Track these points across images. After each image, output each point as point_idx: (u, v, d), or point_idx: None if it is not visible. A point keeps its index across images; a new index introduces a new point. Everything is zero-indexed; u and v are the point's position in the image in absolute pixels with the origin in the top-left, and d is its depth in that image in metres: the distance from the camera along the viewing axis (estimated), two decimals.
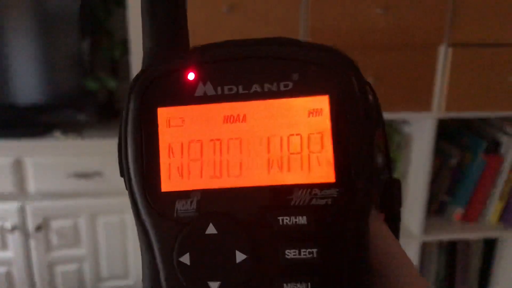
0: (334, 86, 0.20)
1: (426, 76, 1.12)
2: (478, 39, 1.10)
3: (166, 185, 0.20)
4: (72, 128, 1.38)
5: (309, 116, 0.20)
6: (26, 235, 1.36)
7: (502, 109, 1.17)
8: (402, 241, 0.22)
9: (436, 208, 1.33)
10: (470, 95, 1.13)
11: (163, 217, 0.20)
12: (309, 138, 0.20)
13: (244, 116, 0.21)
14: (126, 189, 0.21)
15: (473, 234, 1.33)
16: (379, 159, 0.25)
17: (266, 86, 0.20)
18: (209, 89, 0.21)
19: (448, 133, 1.32)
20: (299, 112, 0.20)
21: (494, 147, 1.27)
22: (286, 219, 0.20)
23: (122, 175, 0.21)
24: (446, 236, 1.32)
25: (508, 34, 1.11)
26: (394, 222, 0.26)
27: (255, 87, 0.20)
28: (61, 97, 1.40)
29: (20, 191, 1.34)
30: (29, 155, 1.32)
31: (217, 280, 0.20)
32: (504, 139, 1.25)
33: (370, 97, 0.20)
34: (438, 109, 1.14)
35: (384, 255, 0.21)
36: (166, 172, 0.21)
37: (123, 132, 0.21)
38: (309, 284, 0.19)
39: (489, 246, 1.43)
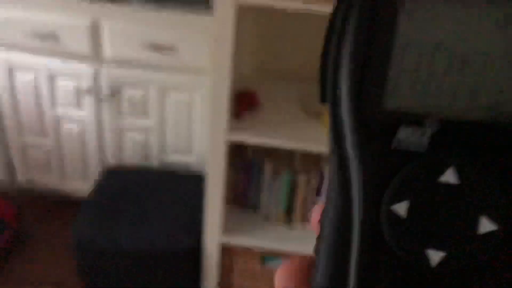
0: None
1: None
2: None
3: (392, 101, 0.15)
4: None
5: None
6: (99, 99, 1.40)
7: None
8: None
9: None
10: None
11: (379, 141, 0.15)
12: None
13: None
14: (324, 100, 0.15)
15: None
16: None
17: None
18: None
19: None
20: None
21: None
22: None
23: (322, 76, 0.15)
24: None
25: None
26: None
27: None
28: None
29: (96, 55, 1.34)
30: (106, 19, 1.30)
31: (441, 250, 0.14)
32: None
33: None
34: None
35: None
36: (395, 83, 0.15)
37: (341, 15, 0.15)
38: None
39: None
